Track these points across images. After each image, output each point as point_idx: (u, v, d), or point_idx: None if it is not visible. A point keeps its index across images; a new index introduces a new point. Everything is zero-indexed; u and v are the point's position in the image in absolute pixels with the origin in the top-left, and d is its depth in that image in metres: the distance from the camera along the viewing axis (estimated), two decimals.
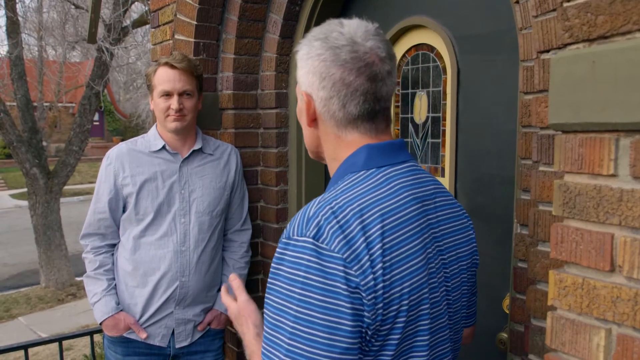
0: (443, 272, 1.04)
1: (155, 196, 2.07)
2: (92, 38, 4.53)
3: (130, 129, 24.78)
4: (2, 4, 8.54)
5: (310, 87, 1.03)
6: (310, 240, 0.90)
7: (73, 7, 9.72)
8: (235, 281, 1.18)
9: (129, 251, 2.10)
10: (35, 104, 10.27)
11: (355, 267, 0.88)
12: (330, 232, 0.90)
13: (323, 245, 0.89)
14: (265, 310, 0.94)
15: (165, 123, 2.07)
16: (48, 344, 3.21)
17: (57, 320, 7.57)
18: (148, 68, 2.19)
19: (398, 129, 2.12)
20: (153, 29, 2.73)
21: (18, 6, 8.85)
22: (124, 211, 2.12)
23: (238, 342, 2.43)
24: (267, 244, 2.47)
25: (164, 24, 2.62)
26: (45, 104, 13.47)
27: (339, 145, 1.05)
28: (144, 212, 2.07)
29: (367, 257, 0.89)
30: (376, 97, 1.01)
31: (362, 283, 0.88)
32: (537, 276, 1.37)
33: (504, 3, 1.66)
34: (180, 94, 2.05)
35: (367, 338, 0.90)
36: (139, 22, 8.86)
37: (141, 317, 2.09)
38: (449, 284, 1.05)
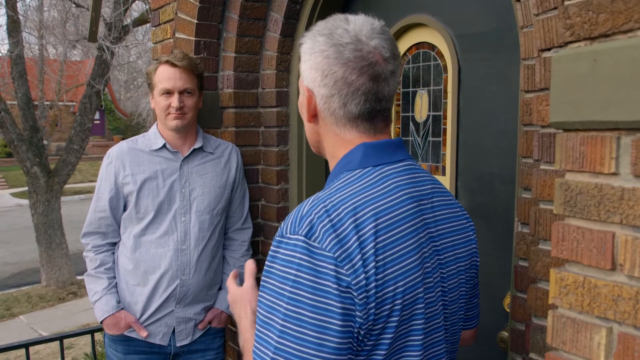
0: (439, 272, 1.02)
1: (155, 195, 2.07)
2: (92, 37, 4.54)
3: (131, 127, 24.80)
4: (3, 2, 8.55)
5: (312, 83, 1.02)
6: (302, 238, 0.89)
7: (74, 5, 9.74)
8: (250, 266, 1.18)
9: (129, 250, 2.10)
10: (36, 102, 10.28)
11: (347, 266, 0.87)
12: (323, 230, 0.89)
13: (315, 244, 0.88)
14: (257, 307, 0.94)
15: (165, 121, 2.07)
16: (49, 343, 3.21)
17: (58, 319, 7.59)
18: (149, 66, 2.19)
19: (399, 128, 2.12)
20: (154, 28, 2.73)
21: (19, 5, 8.86)
22: (124, 210, 2.12)
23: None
24: (268, 242, 2.47)
25: (164, 23, 2.62)
26: (46, 103, 13.50)
27: (337, 143, 1.04)
28: (144, 211, 2.08)
29: (359, 256, 0.88)
30: (377, 97, 1.00)
31: (354, 282, 0.87)
32: (538, 275, 1.37)
33: (505, 1, 1.66)
34: (181, 92, 2.05)
35: (360, 338, 0.89)
36: (140, 21, 8.87)
37: (142, 315, 2.10)
38: (446, 285, 1.04)
